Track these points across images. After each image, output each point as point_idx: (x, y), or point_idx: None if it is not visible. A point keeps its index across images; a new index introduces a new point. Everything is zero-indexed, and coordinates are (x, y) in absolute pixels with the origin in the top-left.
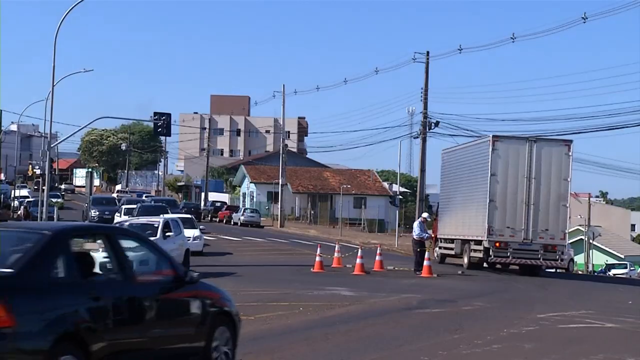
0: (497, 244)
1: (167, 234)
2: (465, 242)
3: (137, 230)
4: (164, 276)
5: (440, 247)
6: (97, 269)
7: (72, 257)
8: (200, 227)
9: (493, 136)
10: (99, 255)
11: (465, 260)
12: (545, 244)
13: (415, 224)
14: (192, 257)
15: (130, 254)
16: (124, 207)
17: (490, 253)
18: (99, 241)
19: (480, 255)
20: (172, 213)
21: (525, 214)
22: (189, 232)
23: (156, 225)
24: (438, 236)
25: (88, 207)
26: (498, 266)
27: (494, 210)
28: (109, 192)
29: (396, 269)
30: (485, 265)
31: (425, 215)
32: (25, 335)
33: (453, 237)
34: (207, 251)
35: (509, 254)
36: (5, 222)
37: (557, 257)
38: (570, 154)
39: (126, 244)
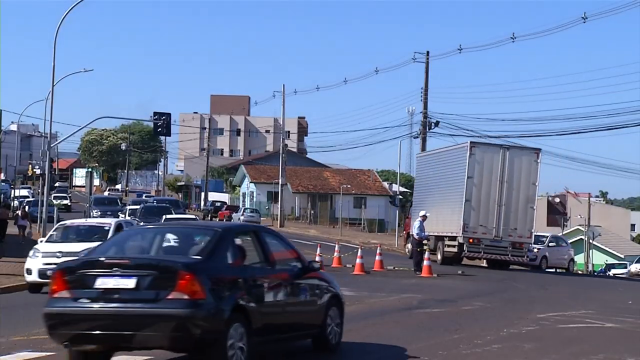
0: (471, 240)
1: None
2: (439, 238)
3: (86, 232)
4: (294, 265)
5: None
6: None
7: (236, 248)
8: None
9: (470, 142)
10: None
11: (439, 255)
12: (514, 242)
13: (416, 223)
14: None
15: (271, 247)
16: (128, 207)
17: (464, 248)
18: (249, 237)
19: (455, 250)
20: (176, 214)
21: (497, 213)
22: None
23: (107, 228)
24: (411, 233)
25: (90, 206)
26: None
27: (469, 209)
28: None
29: (396, 268)
30: (452, 260)
31: (423, 213)
32: (212, 306)
33: (427, 233)
34: None
35: (481, 249)
36: (178, 221)
37: (524, 253)
38: (538, 161)
39: (268, 239)
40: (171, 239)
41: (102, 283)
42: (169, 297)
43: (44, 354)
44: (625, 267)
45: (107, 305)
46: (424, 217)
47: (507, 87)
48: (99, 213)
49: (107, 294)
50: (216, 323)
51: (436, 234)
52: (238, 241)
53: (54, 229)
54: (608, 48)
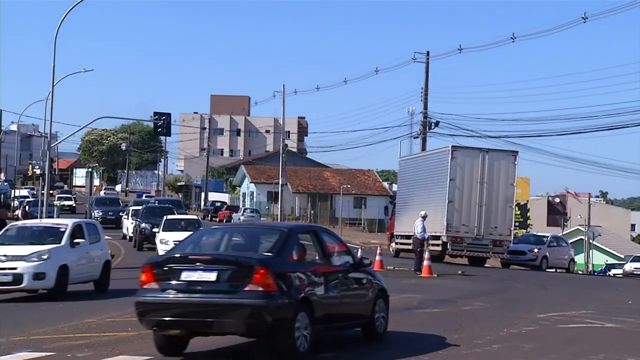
0: (454, 239)
1: (77, 240)
2: None
3: (40, 234)
4: (346, 261)
5: (396, 243)
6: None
7: (300, 246)
8: None
9: (452, 146)
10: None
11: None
12: (494, 240)
13: (418, 223)
14: None
15: (328, 245)
16: (131, 208)
17: (448, 247)
18: (310, 236)
19: (439, 248)
20: (178, 214)
21: (477, 213)
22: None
23: (62, 230)
24: (395, 233)
25: (92, 207)
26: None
27: (452, 209)
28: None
29: (396, 268)
30: (435, 259)
31: (423, 213)
32: (282, 297)
33: (411, 233)
34: None
35: (463, 247)
36: (247, 222)
37: (504, 250)
38: (516, 163)
39: (325, 238)
40: (239, 238)
41: (186, 276)
42: (246, 289)
43: (44, 354)
44: None
45: (191, 296)
46: (425, 217)
47: (507, 87)
48: (101, 213)
49: (191, 286)
50: (285, 312)
51: None
52: (301, 240)
53: (4, 229)
54: (608, 48)
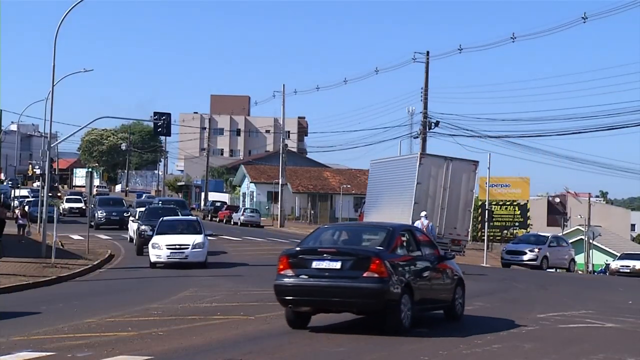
0: None
1: None
2: None
3: None
4: (434, 254)
5: None
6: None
7: (402, 242)
8: (208, 232)
9: (420, 153)
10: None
11: None
12: (453, 239)
13: (417, 224)
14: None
15: (421, 241)
16: (137, 210)
17: None
18: (407, 234)
19: None
20: (182, 215)
21: (439, 214)
22: (188, 239)
23: None
24: None
25: (95, 207)
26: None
27: (417, 210)
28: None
29: None
30: None
31: (424, 214)
32: (392, 282)
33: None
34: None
35: None
36: (356, 222)
37: (461, 248)
38: (476, 171)
39: (418, 235)
40: (351, 235)
41: (316, 264)
42: (364, 275)
43: (44, 354)
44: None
45: (320, 280)
46: (426, 217)
47: (507, 87)
48: (104, 214)
49: (320, 272)
50: (395, 294)
51: None
52: (402, 236)
53: None
54: (608, 48)
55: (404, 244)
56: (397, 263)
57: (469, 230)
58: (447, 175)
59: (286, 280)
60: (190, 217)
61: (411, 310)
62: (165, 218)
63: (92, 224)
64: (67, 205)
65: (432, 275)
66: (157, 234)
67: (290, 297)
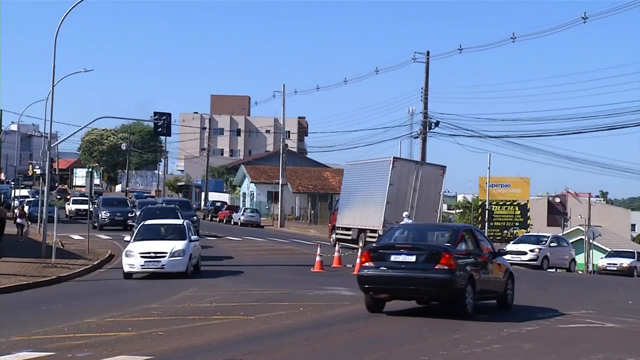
0: None
1: None
2: (362, 230)
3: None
4: (490, 251)
5: (337, 234)
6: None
7: (465, 239)
8: (194, 237)
9: (393, 158)
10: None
11: (361, 244)
12: None
13: (401, 224)
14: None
15: (480, 239)
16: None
17: None
18: (468, 233)
19: (375, 239)
20: (184, 217)
21: (409, 212)
22: (166, 246)
23: None
24: (336, 225)
25: (98, 207)
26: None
27: (389, 209)
28: (108, 192)
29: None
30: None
31: (406, 214)
32: (459, 273)
33: (351, 226)
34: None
35: None
36: (423, 222)
37: None
38: (443, 176)
39: (477, 234)
40: (422, 233)
41: (394, 258)
42: (436, 267)
43: (44, 354)
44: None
45: (397, 271)
46: (409, 217)
47: (507, 87)
48: (108, 214)
49: (397, 265)
50: (462, 284)
51: (359, 227)
52: (465, 235)
53: None
54: (608, 48)
55: (467, 241)
56: (462, 258)
57: None
58: (417, 178)
59: (367, 271)
60: (175, 221)
61: (473, 299)
62: (146, 222)
63: (95, 224)
64: (73, 207)
65: (489, 269)
66: (134, 240)
67: (371, 286)
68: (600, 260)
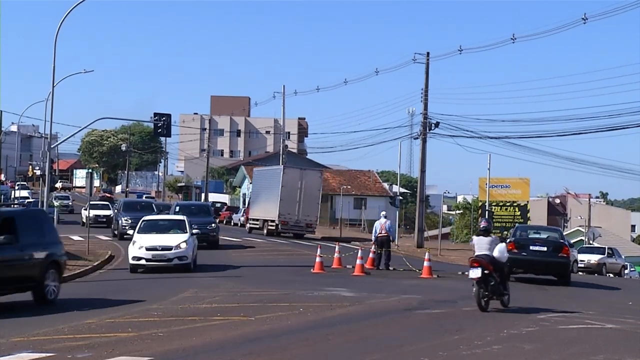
0: (283, 222)
1: None
2: (265, 220)
3: None
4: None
5: (250, 223)
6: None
7: (564, 238)
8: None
9: (284, 166)
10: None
11: (265, 231)
12: (307, 223)
13: (377, 225)
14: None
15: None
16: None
17: (279, 227)
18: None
19: (274, 227)
20: (201, 225)
21: (297, 207)
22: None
23: None
24: (249, 217)
25: (119, 213)
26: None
27: (283, 204)
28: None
29: (395, 269)
30: (272, 233)
31: (384, 213)
32: (569, 258)
33: (258, 217)
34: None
35: (288, 227)
36: (536, 224)
37: (313, 229)
38: (321, 177)
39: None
40: (537, 230)
41: (532, 247)
42: (559, 254)
43: (44, 354)
44: (626, 268)
45: (535, 257)
46: (386, 217)
47: (507, 88)
48: (130, 221)
49: (535, 253)
50: (570, 265)
51: (264, 218)
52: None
53: None
54: (608, 49)
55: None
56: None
57: (317, 216)
58: (301, 180)
59: (514, 256)
60: (176, 216)
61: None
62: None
63: (115, 232)
64: (91, 213)
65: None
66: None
67: (515, 266)
68: (589, 256)
